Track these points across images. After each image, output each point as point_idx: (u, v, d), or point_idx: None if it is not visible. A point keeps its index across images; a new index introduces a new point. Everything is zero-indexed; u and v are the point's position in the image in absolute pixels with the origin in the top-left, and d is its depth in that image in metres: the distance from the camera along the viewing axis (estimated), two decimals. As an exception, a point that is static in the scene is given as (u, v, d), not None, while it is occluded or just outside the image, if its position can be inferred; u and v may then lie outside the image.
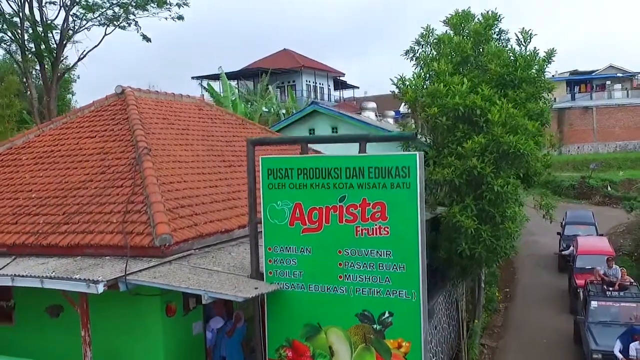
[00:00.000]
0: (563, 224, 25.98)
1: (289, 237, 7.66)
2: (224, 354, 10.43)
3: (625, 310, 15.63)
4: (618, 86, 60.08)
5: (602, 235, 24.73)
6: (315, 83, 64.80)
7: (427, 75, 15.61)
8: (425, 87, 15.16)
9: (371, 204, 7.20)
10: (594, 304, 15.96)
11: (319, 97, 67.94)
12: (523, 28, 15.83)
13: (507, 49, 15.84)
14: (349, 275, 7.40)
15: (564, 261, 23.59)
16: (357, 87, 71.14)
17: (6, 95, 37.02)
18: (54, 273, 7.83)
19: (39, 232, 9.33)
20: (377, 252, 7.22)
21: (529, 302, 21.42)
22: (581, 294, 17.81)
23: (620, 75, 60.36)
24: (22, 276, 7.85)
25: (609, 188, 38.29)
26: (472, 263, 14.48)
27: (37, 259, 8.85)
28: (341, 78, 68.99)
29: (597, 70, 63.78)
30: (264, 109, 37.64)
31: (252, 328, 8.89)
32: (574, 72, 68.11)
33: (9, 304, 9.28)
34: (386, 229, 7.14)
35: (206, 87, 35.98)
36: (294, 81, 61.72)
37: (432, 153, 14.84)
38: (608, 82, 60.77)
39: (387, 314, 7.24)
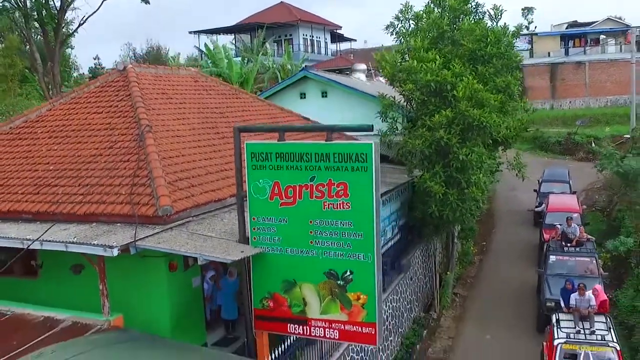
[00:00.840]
0: (540, 181, 27.56)
1: (269, 210, 9.27)
2: (220, 302, 12.27)
3: (580, 264, 17.43)
4: (612, 41, 60.53)
5: (574, 192, 26.37)
6: (312, 37, 65.14)
7: (406, 49, 16.88)
8: (403, 61, 16.47)
9: (335, 184, 8.77)
10: (552, 258, 17.76)
11: (315, 51, 68.40)
12: (495, 5, 16.99)
13: (481, 24, 17.01)
14: (318, 241, 9.04)
15: (538, 217, 25.29)
16: (355, 40, 71.50)
17: (8, 55, 38.01)
18: (75, 239, 9.47)
19: (58, 202, 10.91)
20: (340, 222, 8.83)
21: (502, 256, 23.28)
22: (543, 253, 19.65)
23: (614, 29, 60.74)
24: (50, 241, 9.50)
25: (593, 144, 39.66)
26: (442, 223, 16.18)
27: (59, 225, 10.47)
28: (338, 31, 69.25)
29: (596, 22, 64.06)
30: (260, 66, 38.59)
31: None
32: (573, 24, 68.34)
33: (38, 263, 10.96)
34: (347, 204, 8.73)
35: (203, 49, 36.82)
36: (290, 35, 62.11)
37: (407, 124, 16.31)
38: (602, 37, 61.21)
39: (348, 272, 8.92)
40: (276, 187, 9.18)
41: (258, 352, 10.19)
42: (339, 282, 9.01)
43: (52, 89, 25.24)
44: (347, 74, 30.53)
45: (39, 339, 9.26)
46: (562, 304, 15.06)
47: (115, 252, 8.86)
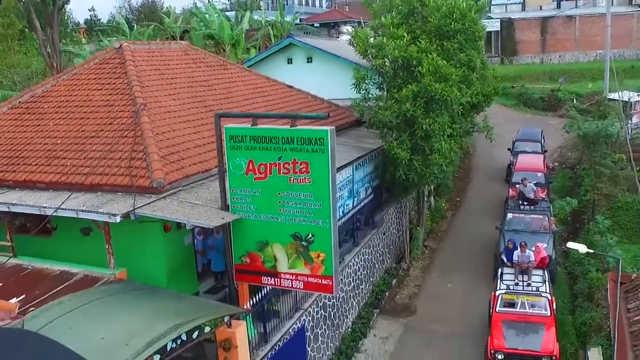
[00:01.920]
0: (514, 140, 29.24)
1: (245, 183, 11.10)
2: (210, 257, 14.28)
3: (534, 221, 19.37)
4: (603, -7, 60.71)
5: (545, 152, 28.10)
6: (308, -11, 65.32)
7: (378, 25, 18.30)
8: (377, 36, 17.94)
9: (299, 162, 10.55)
10: (509, 215, 19.69)
11: (310, 4, 68.62)
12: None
13: (448, 1, 18.29)
14: (285, 209, 10.90)
15: (508, 175, 27.12)
16: (350, -10, 71.37)
17: (6, 15, 38.91)
18: (84, 207, 11.33)
19: (67, 173, 12.73)
20: (303, 194, 10.67)
21: (473, 211, 25.22)
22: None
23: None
24: (63, 209, 11.36)
25: (574, 101, 41.03)
26: (409, 185, 18.04)
27: (68, 193, 12.30)
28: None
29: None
30: (253, 22, 39.44)
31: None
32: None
33: (53, 226, 12.87)
34: (309, 179, 10.54)
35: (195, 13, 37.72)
36: (285, -14, 62.33)
37: (378, 96, 17.92)
38: (594, -11, 61.39)
39: (310, 235, 10.82)
40: (250, 164, 10.97)
41: (240, 299, 12.25)
42: (302, 242, 10.94)
43: (53, 55, 26.55)
44: (336, 37, 31.76)
45: (57, 289, 11.26)
46: (505, 260, 17.03)
47: (118, 219, 10.74)
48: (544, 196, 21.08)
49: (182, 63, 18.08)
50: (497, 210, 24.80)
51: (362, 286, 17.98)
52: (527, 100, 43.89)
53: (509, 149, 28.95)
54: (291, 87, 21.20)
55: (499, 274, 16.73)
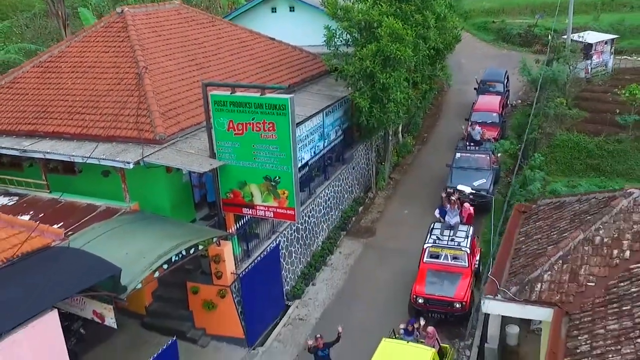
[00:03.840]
0: (479, 80, 32.03)
1: (227, 137, 14.40)
2: (207, 188, 17.75)
3: (478, 160, 22.57)
4: None
5: (507, 91, 31.00)
6: None
7: (347, -11, 20.87)
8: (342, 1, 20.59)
9: (267, 122, 13.81)
10: (457, 154, 22.92)
11: None
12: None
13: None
14: (258, 158, 14.27)
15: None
16: None
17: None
18: (104, 155, 14.69)
19: (87, 126, 15.99)
20: (270, 146, 14.00)
21: (437, 146, 28.48)
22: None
23: None
24: (88, 157, 14.73)
25: (549, 37, 43.26)
26: (371, 128, 21.29)
27: (90, 143, 15.60)
28: None
29: None
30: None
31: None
32: None
33: (79, 168, 16.28)
34: (275, 136, 13.84)
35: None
36: None
37: (345, 52, 20.80)
38: None
39: (277, 177, 14.26)
40: (231, 123, 14.24)
41: (227, 225, 15.86)
42: (272, 183, 14.41)
43: (57, 4, 28.82)
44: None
45: (86, 218, 14.82)
46: (439, 217, 18.97)
47: (131, 166, 14.13)
48: (490, 137, 24.16)
49: (175, 23, 20.84)
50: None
51: (332, 213, 21.66)
52: (505, 36, 46.05)
53: (475, 89, 31.81)
54: (273, 39, 23.94)
55: (430, 228, 18.39)
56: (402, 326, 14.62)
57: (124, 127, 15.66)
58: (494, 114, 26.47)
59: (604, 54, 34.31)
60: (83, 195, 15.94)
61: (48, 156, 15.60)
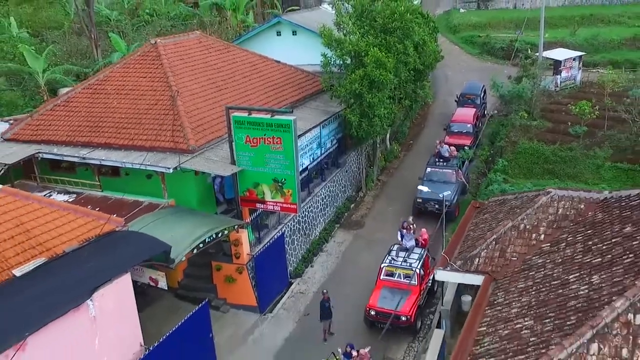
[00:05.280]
0: (458, 94, 36.14)
1: (244, 148, 18.65)
2: (225, 190, 21.97)
3: (445, 174, 26.08)
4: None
5: (484, 104, 35.12)
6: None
7: (339, 23, 25.09)
8: (339, 30, 24.82)
9: (275, 137, 18.07)
10: (428, 169, 26.61)
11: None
12: (402, -7, 24.85)
13: (391, 5, 24.87)
14: (269, 164, 18.53)
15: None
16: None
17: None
18: (149, 162, 18.93)
19: (133, 139, 20.24)
20: (278, 156, 18.27)
21: (421, 153, 32.54)
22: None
23: None
24: (136, 163, 18.98)
25: (529, 51, 47.38)
26: (360, 138, 25.52)
27: (136, 152, 19.83)
28: None
29: None
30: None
31: (233, 181, 20.30)
32: None
33: (127, 172, 20.51)
34: (281, 147, 18.10)
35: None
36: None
37: (338, 75, 25.03)
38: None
39: (283, 179, 18.54)
40: (247, 138, 18.49)
41: (243, 217, 20.10)
42: (279, 184, 18.66)
43: (91, 28, 33.06)
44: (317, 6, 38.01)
45: (134, 212, 19.05)
46: (399, 238, 20.53)
47: (171, 170, 18.39)
48: (455, 154, 27.68)
49: (197, 51, 25.08)
50: (440, 153, 32.22)
51: (328, 208, 25.90)
52: (490, 49, 50.17)
53: (455, 100, 35.96)
54: (278, 61, 28.17)
55: (389, 249, 20.54)
56: (340, 350, 16.40)
57: (162, 139, 19.91)
58: (469, 125, 30.65)
59: (572, 69, 38.46)
60: (129, 194, 20.19)
61: (103, 162, 19.89)
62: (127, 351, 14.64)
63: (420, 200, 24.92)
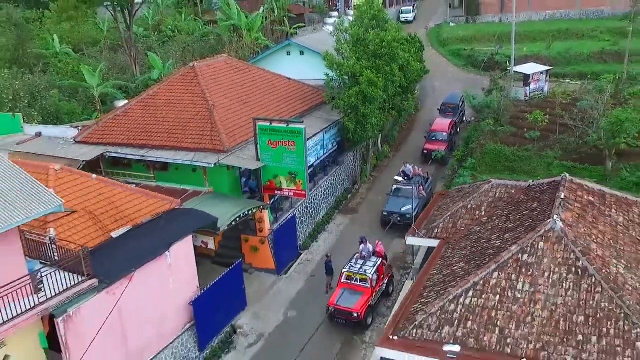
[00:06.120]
0: (441, 103, 42.30)
1: (266, 149, 25.00)
2: (251, 184, 28.26)
3: (409, 191, 31.25)
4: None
5: (462, 113, 41.30)
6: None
7: (340, 49, 31.39)
8: (339, 55, 31.13)
9: (290, 141, 24.43)
10: (395, 185, 32.24)
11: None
12: (388, 23, 31.14)
13: (380, 35, 31.08)
14: (285, 161, 24.88)
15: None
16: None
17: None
18: (196, 159, 25.25)
19: (181, 142, 26.54)
20: (292, 155, 24.61)
21: (407, 154, 38.70)
22: (424, 156, 34.82)
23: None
24: (186, 160, 25.31)
25: (507, 64, 53.47)
26: (356, 142, 31.84)
27: (183, 152, 26.12)
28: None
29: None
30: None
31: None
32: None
33: (176, 167, 26.78)
34: (294, 149, 24.45)
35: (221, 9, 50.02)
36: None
37: (339, 92, 31.32)
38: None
39: (296, 172, 24.90)
40: (269, 141, 24.82)
41: (264, 201, 26.40)
42: (292, 176, 25.00)
43: (130, 47, 39.34)
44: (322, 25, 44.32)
45: (183, 196, 25.38)
46: (360, 248, 24.26)
47: (212, 165, 24.73)
48: (419, 172, 33.23)
49: (225, 71, 31.42)
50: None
51: (329, 198, 32.18)
52: (473, 62, 56.27)
53: (438, 109, 42.15)
54: (289, 78, 34.45)
55: (350, 257, 24.19)
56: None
57: (203, 142, 26.22)
58: (444, 133, 36.83)
59: (539, 81, 44.62)
60: (177, 184, 26.49)
61: (159, 160, 26.22)
62: (189, 290, 20.96)
63: (386, 214, 29.32)
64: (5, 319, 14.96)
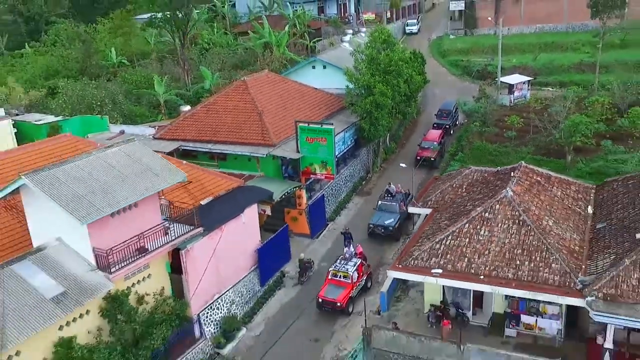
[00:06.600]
0: (437, 110, 50.72)
1: (305, 144, 33.71)
2: (289, 171, 36.97)
3: (392, 206, 39.31)
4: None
5: (456, 119, 49.71)
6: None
7: (358, 67, 40.04)
8: (357, 72, 39.84)
9: (322, 138, 33.13)
10: (380, 202, 39.61)
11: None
12: (395, 45, 39.81)
13: (389, 55, 39.66)
14: (319, 153, 33.60)
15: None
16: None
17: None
18: (252, 152, 33.93)
19: (238, 138, 35.22)
20: (323, 147, 33.31)
21: (412, 149, 47.27)
22: (418, 162, 43.39)
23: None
24: (245, 152, 34.13)
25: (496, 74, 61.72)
26: (369, 139, 40.53)
27: (241, 146, 34.75)
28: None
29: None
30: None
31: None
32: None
33: (235, 157, 35.41)
34: (325, 143, 33.13)
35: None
36: None
37: (356, 100, 39.95)
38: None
39: (326, 161, 33.64)
40: (307, 138, 33.51)
41: (302, 182, 35.05)
42: (324, 163, 33.69)
43: (184, 60, 48.04)
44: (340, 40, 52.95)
45: (241, 179, 34.12)
46: (344, 249, 31.16)
47: (265, 155, 33.47)
48: (401, 190, 41.07)
49: (267, 83, 40.11)
50: (423, 148, 46.95)
51: (348, 183, 40.79)
52: (469, 72, 64.59)
53: (435, 114, 50.61)
54: (316, 88, 43.07)
55: (336, 258, 30.18)
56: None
57: (256, 138, 34.88)
58: (435, 143, 45.05)
59: (522, 90, 53.04)
60: (235, 169, 35.14)
61: (224, 152, 34.94)
62: (254, 243, 29.65)
63: (372, 226, 34.66)
64: (151, 249, 23.65)
